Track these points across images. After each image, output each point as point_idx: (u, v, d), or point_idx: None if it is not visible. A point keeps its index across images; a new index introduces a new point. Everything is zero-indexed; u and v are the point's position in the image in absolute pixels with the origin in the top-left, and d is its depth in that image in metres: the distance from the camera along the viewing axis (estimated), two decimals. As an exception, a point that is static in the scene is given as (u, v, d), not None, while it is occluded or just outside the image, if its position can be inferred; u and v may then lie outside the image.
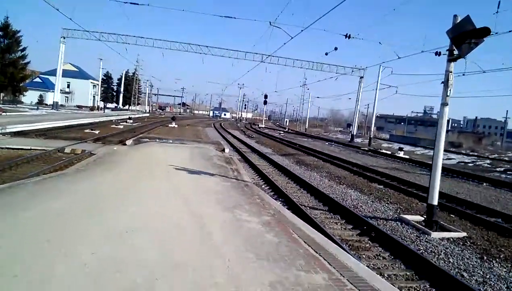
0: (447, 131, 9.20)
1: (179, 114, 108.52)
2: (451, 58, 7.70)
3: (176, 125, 38.17)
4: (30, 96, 59.39)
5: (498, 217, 9.57)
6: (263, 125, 73.25)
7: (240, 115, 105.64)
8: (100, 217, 5.36)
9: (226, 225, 5.52)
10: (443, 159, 8.27)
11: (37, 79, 71.14)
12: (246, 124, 76.30)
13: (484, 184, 15.80)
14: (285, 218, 6.37)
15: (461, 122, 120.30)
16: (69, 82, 76.62)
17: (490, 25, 6.97)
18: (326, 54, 34.34)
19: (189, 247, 4.53)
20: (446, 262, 6.17)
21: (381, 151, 30.30)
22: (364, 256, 6.19)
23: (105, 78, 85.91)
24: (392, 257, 6.24)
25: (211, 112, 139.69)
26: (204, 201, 7.04)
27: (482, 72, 22.91)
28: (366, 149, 31.91)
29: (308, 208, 9.17)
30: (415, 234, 7.53)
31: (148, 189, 7.82)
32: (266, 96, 70.74)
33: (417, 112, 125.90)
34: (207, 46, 45.67)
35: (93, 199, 6.53)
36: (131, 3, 29.70)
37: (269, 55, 43.49)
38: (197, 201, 6.97)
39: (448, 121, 8.36)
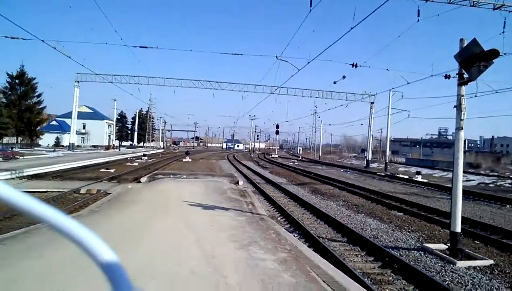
0: (465, 152, 8.96)
1: (193, 148, 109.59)
2: (462, 82, 7.59)
3: (190, 160, 38.33)
4: (47, 139, 60.93)
5: (527, 241, 9.14)
6: (276, 155, 73.02)
7: (253, 146, 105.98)
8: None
9: (241, 264, 5.34)
10: (462, 181, 8.00)
11: (54, 122, 73.15)
12: (260, 155, 76.27)
13: (508, 205, 15.24)
14: (302, 254, 6.15)
15: (478, 142, 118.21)
16: (84, 124, 78.55)
17: (497, 46, 6.91)
18: (335, 82, 34.40)
19: (204, 291, 4.37)
20: (475, 294, 5.84)
21: (398, 175, 29.75)
22: (387, 290, 5.90)
23: (119, 117, 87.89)
24: (417, 290, 5.94)
25: (224, 144, 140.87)
26: (219, 239, 6.89)
27: (494, 92, 22.66)
28: (382, 174, 31.37)
29: (326, 240, 8.91)
30: (439, 264, 7.19)
31: (162, 228, 7.72)
32: (278, 126, 70.60)
33: (431, 135, 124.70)
34: (217, 82, 46.58)
35: (106, 241, 6.43)
36: (140, 46, 30.91)
37: (278, 87, 43.91)
38: (211, 239, 6.82)
39: (464, 141, 8.17)
